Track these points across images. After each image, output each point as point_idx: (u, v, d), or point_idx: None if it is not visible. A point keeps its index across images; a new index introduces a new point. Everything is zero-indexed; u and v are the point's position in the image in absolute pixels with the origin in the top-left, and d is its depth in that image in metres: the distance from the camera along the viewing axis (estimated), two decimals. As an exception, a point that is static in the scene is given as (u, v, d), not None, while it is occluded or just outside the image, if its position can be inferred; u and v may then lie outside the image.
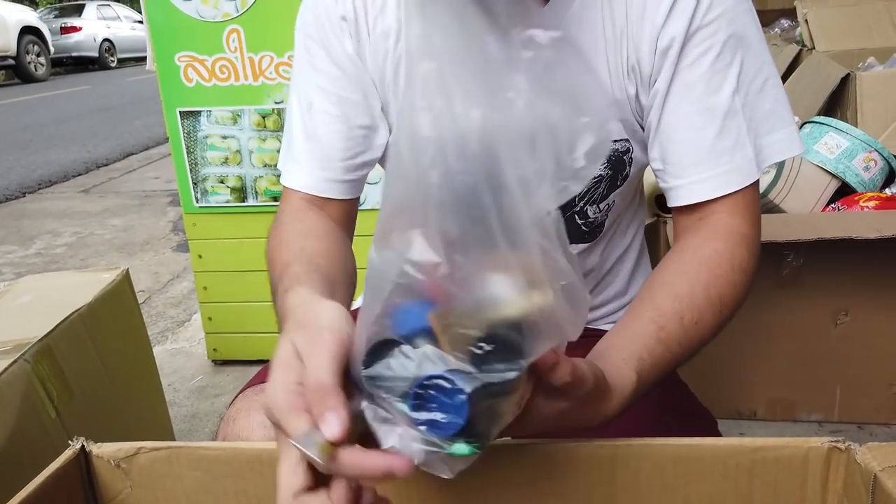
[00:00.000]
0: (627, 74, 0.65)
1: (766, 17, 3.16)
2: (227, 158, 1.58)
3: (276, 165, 1.59)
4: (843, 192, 1.24)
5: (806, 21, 2.19)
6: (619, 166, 0.71)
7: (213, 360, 1.81)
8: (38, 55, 11.00)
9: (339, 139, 0.69)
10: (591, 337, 0.55)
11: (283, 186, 0.73)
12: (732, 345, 1.23)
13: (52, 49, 11.43)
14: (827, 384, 1.27)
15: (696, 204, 0.64)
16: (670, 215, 0.90)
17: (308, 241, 0.64)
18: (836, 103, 1.86)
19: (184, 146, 1.58)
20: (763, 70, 0.64)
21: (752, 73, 0.63)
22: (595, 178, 0.70)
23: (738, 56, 0.62)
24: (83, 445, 0.55)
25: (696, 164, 0.63)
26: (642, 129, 0.68)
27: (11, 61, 10.43)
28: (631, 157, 0.70)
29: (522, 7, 0.63)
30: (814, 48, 2.11)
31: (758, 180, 0.65)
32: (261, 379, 0.70)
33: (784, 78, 2.14)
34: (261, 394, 0.66)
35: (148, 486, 0.54)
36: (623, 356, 0.53)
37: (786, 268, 1.19)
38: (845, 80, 1.80)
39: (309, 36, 0.70)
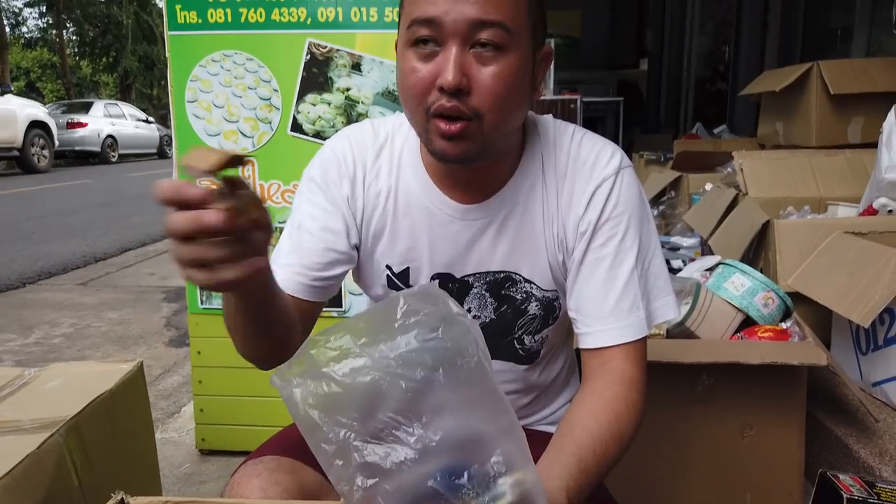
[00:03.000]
0: (558, 247, 0.90)
1: (719, 158, 3.54)
2: (232, 268, 1.82)
3: (274, 276, 1.82)
4: (749, 323, 1.49)
5: (741, 169, 2.53)
6: (550, 309, 0.94)
7: (200, 450, 1.97)
8: (43, 148, 11.42)
9: (316, 254, 0.87)
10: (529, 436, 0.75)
11: None
12: (656, 451, 1.43)
13: (56, 142, 11.87)
14: (739, 491, 1.46)
15: (600, 349, 0.85)
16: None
17: None
18: (762, 243, 2.15)
19: (195, 255, 1.81)
20: (651, 251, 0.89)
21: (644, 253, 0.87)
22: (531, 315, 0.94)
23: (636, 241, 0.86)
24: (122, 497, 0.74)
25: (601, 318, 0.85)
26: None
27: (16, 153, 10.84)
28: (559, 303, 0.94)
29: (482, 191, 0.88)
30: (747, 193, 2.42)
31: (647, 335, 0.87)
32: (261, 453, 0.89)
33: (722, 218, 2.45)
34: (259, 464, 0.85)
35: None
36: (557, 485, 0.70)
37: (700, 385, 1.41)
38: (768, 224, 2.10)
39: (312, 179, 0.92)
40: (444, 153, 0.79)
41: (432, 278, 0.93)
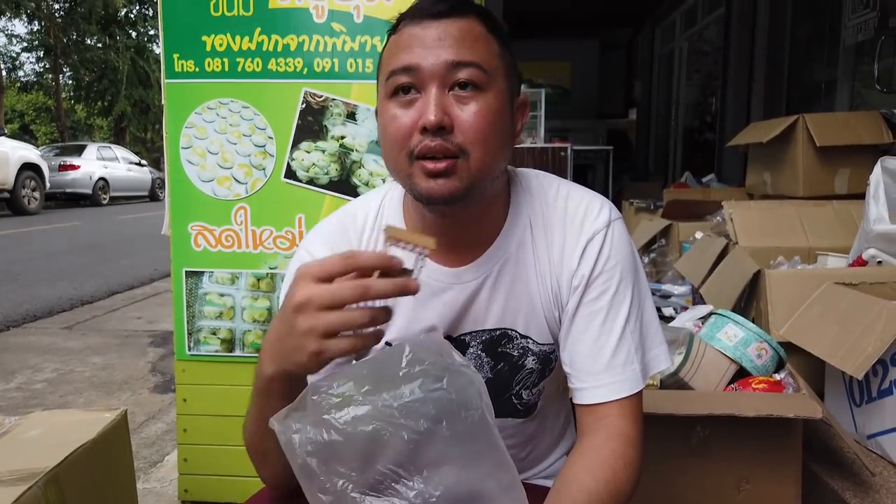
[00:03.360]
0: (553, 302, 0.89)
1: (709, 207, 3.58)
2: (221, 313, 1.80)
3: (264, 321, 1.80)
4: (743, 374, 1.48)
5: (731, 219, 2.55)
6: (547, 362, 0.92)
7: (182, 501, 1.91)
8: (34, 190, 11.41)
9: None
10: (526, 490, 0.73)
11: None
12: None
13: (48, 184, 11.86)
14: (736, 545, 1.43)
15: (595, 404, 0.84)
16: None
17: None
18: (753, 293, 2.16)
19: (184, 301, 1.80)
20: (644, 303, 0.88)
21: (637, 305, 0.87)
22: (528, 369, 0.92)
23: (629, 293, 0.86)
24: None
25: (596, 374, 0.84)
26: None
27: (6, 194, 10.82)
28: (556, 355, 0.92)
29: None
30: (737, 243, 2.44)
31: (642, 389, 0.86)
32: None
33: (713, 267, 2.46)
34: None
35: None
36: None
37: (695, 437, 1.39)
38: (759, 274, 2.11)
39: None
40: (430, 193, 0.78)
41: None
